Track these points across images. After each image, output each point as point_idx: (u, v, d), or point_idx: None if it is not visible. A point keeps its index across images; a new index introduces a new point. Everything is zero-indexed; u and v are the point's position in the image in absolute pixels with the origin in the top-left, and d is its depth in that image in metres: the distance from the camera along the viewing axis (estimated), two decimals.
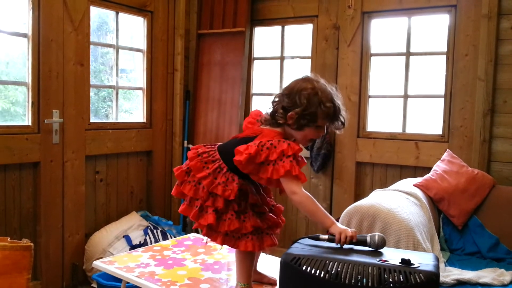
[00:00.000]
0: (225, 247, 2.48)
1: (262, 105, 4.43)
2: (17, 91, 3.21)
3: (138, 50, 3.98)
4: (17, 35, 3.11)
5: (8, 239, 2.26)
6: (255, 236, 1.80)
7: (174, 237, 3.65)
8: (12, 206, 3.10)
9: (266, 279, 2.03)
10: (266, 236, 1.83)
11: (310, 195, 1.73)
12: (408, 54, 3.66)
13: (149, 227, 3.62)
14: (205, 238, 1.88)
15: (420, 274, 1.45)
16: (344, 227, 1.71)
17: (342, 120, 1.80)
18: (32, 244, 2.25)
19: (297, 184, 1.72)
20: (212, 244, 2.26)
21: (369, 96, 3.80)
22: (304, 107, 1.73)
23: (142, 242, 3.45)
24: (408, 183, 3.10)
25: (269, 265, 2.26)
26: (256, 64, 4.32)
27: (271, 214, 1.89)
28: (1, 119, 3.13)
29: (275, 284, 1.99)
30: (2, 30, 3.03)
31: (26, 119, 3.17)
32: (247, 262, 1.87)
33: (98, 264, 2.21)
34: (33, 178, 3.20)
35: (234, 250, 2.40)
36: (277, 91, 4.19)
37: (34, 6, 3.12)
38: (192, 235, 2.72)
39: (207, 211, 1.79)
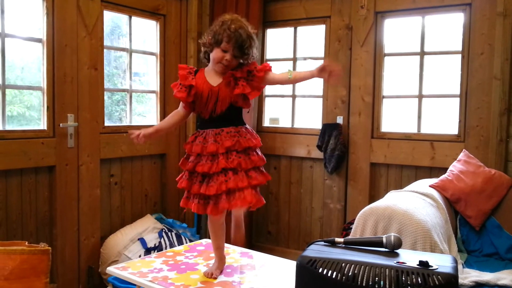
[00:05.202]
0: (237, 250, 2.49)
1: (277, 106, 4.43)
2: (32, 96, 3.24)
3: (151, 54, 4.00)
4: (32, 40, 3.14)
5: (26, 243, 2.27)
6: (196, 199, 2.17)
7: (189, 239, 3.65)
8: (28, 209, 3.13)
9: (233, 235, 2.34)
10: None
11: (173, 114, 2.23)
12: (422, 53, 3.63)
13: (163, 230, 3.63)
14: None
15: (439, 276, 1.43)
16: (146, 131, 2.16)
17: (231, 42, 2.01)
18: (49, 248, 2.27)
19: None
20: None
21: (383, 97, 3.78)
22: (211, 34, 2.06)
23: (157, 245, 3.46)
24: (424, 184, 3.07)
25: (283, 268, 2.24)
26: None
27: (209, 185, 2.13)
28: (17, 124, 3.16)
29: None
30: (16, 36, 3.06)
31: (41, 124, 3.20)
32: (210, 228, 2.21)
33: (112, 270, 2.22)
34: (49, 182, 3.23)
35: (246, 254, 2.44)
36: (289, 92, 4.21)
37: (48, 11, 3.14)
38: (205, 241, 2.72)
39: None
